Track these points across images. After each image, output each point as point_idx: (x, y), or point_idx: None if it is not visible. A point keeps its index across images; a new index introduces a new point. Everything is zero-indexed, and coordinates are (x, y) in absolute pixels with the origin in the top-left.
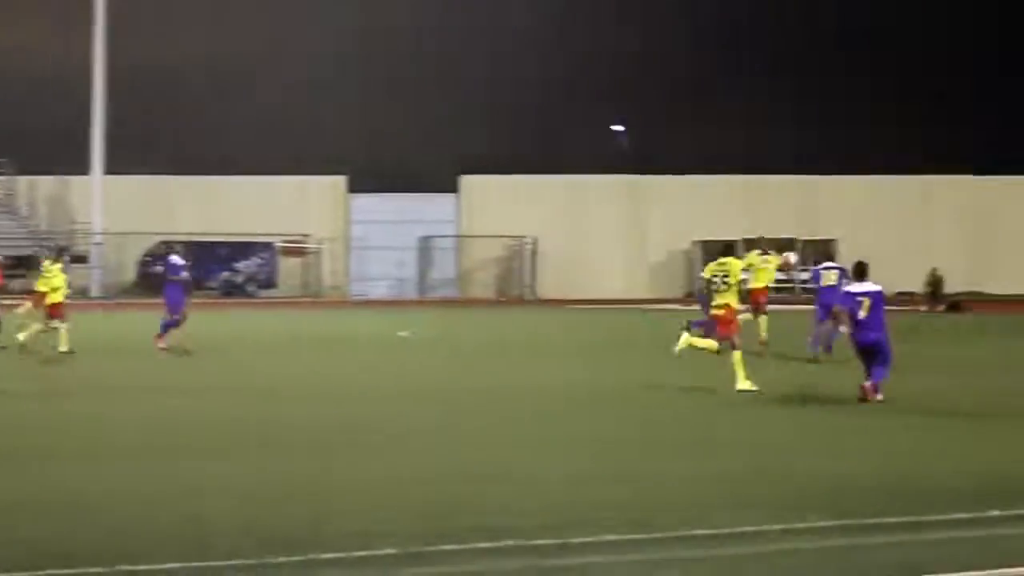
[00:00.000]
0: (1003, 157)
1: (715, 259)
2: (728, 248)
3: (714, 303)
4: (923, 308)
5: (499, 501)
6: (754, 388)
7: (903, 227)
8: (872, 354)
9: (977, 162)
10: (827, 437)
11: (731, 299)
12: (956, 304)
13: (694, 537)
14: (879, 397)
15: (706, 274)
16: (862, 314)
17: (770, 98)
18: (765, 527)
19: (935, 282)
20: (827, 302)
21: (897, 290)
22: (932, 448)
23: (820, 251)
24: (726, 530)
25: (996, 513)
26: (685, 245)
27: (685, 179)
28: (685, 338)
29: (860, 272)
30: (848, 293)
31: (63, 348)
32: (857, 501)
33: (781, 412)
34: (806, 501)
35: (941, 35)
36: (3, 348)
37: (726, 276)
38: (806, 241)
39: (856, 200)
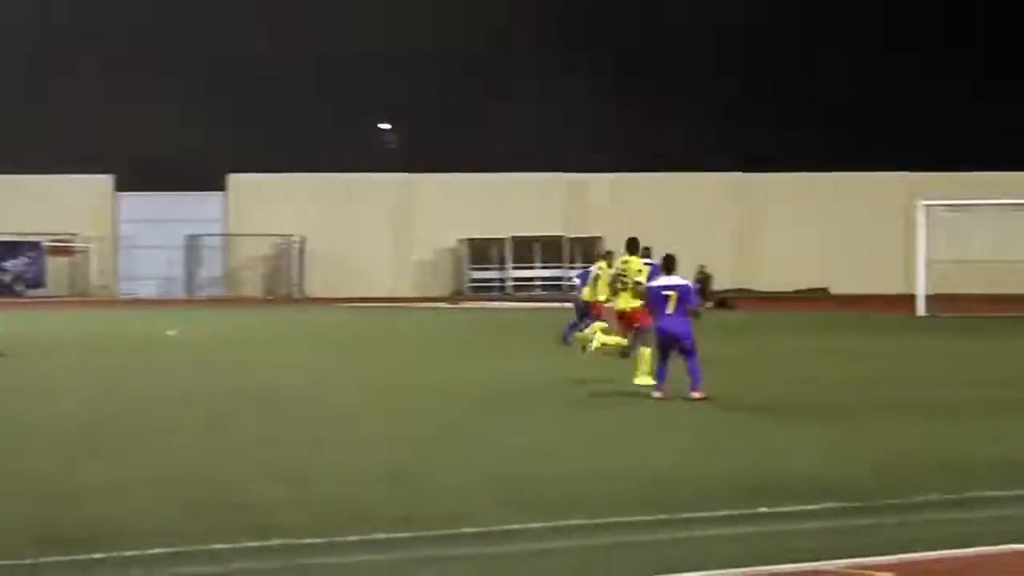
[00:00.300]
0: (770, 153)
1: (483, 257)
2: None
3: (622, 301)
4: None
5: (268, 499)
6: (651, 384)
7: (670, 224)
8: (674, 348)
9: (744, 159)
10: (598, 435)
11: (633, 298)
12: (723, 301)
13: (460, 536)
14: (697, 396)
15: (609, 272)
16: (669, 308)
17: (538, 98)
18: (531, 525)
19: (703, 279)
20: None
21: None
22: (706, 443)
23: (587, 249)
24: (491, 528)
25: (762, 510)
26: (452, 243)
27: (452, 177)
28: (599, 337)
29: (668, 266)
30: (656, 287)
31: None
32: (622, 498)
33: (564, 411)
34: (572, 500)
35: (711, 34)
36: None
37: (625, 275)
38: (573, 239)
39: (624, 198)
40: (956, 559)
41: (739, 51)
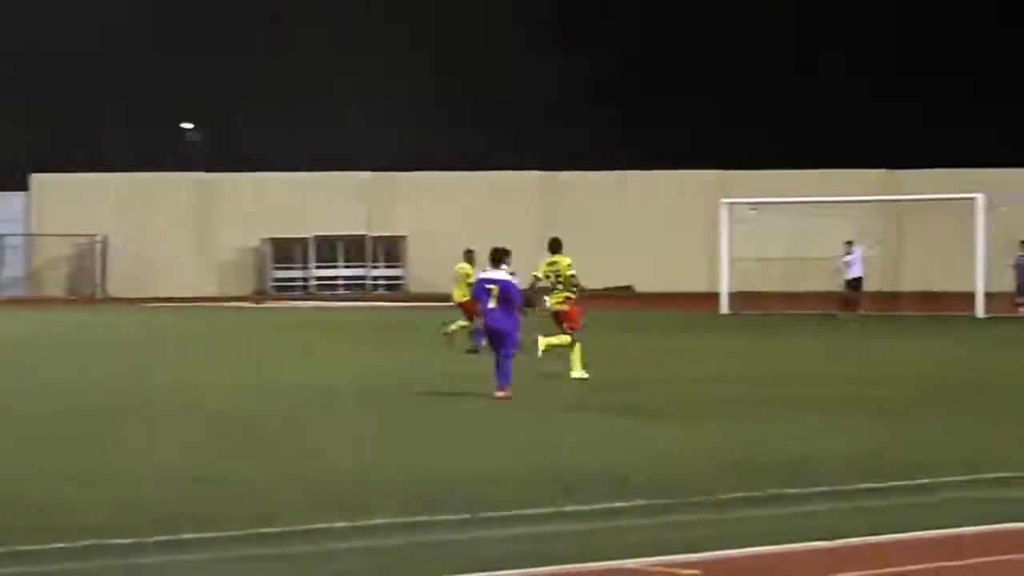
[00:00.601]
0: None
1: (286, 256)
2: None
3: (554, 300)
4: None
5: (76, 500)
6: (587, 375)
7: (475, 223)
8: (500, 342)
9: (550, 159)
10: (406, 434)
11: (566, 294)
12: (528, 300)
13: (265, 535)
14: (500, 395)
15: (539, 273)
16: (491, 303)
17: (339, 98)
18: (334, 524)
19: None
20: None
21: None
22: (513, 442)
23: (391, 249)
24: (296, 528)
25: (571, 508)
26: (255, 243)
27: (254, 176)
28: (542, 340)
29: (495, 259)
30: (480, 280)
31: None
32: (427, 497)
33: (391, 410)
34: (379, 499)
35: (505, 40)
36: None
37: (558, 274)
38: (376, 238)
39: (427, 197)
40: (760, 556)
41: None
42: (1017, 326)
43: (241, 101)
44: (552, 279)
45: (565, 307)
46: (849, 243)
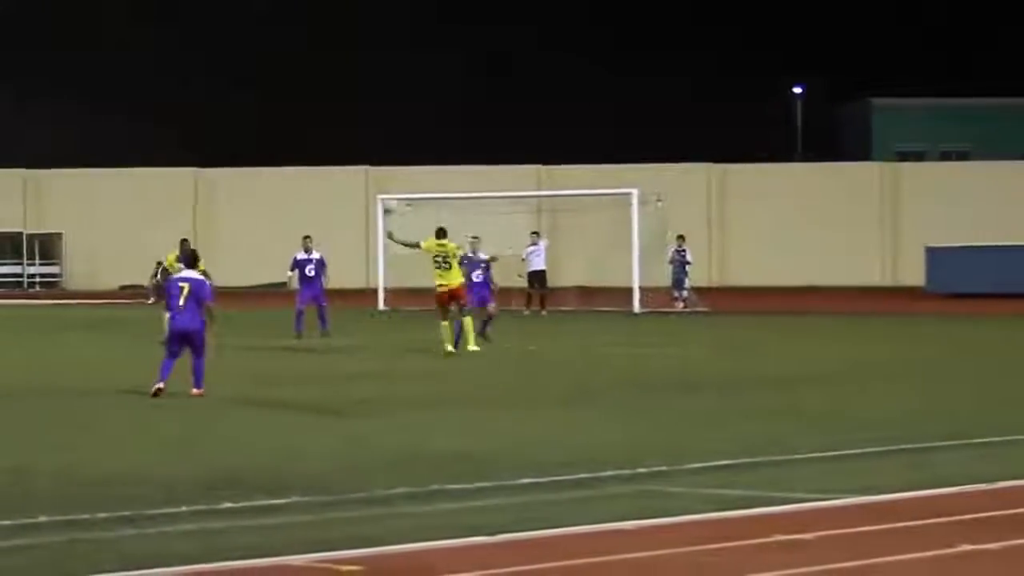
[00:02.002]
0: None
1: None
2: None
3: (441, 281)
4: None
5: None
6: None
7: (132, 221)
8: (186, 343)
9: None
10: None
11: (456, 275)
12: None
13: None
14: (195, 392)
15: (427, 251)
16: (180, 301)
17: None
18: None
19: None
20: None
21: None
22: (177, 441)
23: (45, 246)
24: None
25: (227, 505)
26: None
27: None
28: (444, 328)
29: (189, 260)
30: (172, 279)
31: None
32: (80, 495)
33: (55, 408)
34: (34, 499)
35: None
36: None
37: (447, 256)
38: (31, 235)
39: (83, 194)
40: (423, 552)
41: None
42: (676, 320)
43: None
44: (441, 260)
45: (456, 287)
46: (535, 234)
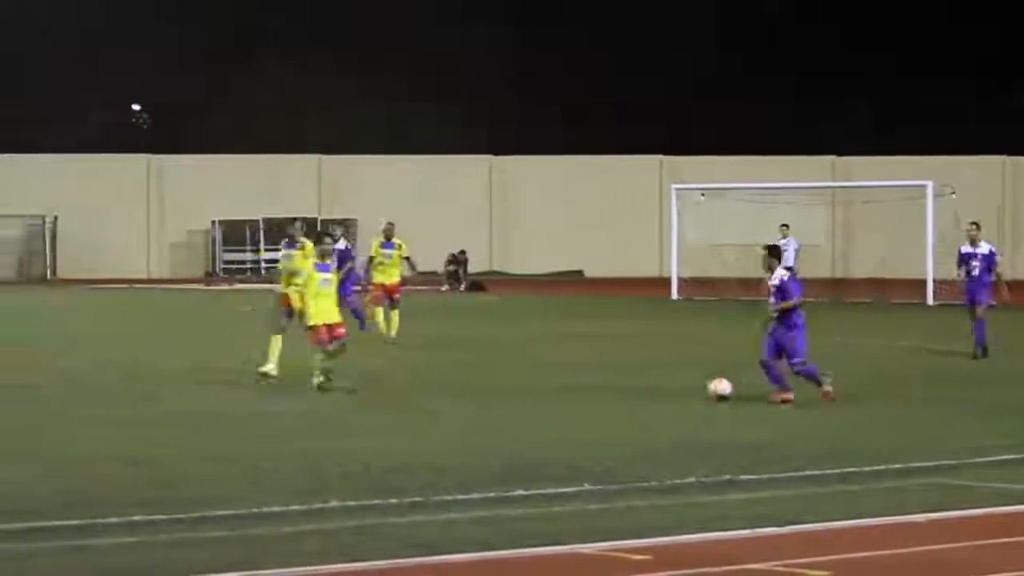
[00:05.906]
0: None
1: (236, 238)
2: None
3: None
4: (444, 288)
5: (16, 481)
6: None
7: (425, 206)
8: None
9: (497, 142)
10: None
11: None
12: (478, 284)
13: None
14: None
15: (372, 252)
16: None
17: (283, 81)
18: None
19: (457, 262)
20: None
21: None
22: (463, 429)
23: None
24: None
25: (519, 492)
26: (205, 225)
27: (203, 158)
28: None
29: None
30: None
31: None
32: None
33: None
34: (328, 485)
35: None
36: None
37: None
38: (326, 220)
39: (377, 179)
40: (711, 542)
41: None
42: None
43: (184, 80)
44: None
45: (395, 282)
46: (785, 226)
